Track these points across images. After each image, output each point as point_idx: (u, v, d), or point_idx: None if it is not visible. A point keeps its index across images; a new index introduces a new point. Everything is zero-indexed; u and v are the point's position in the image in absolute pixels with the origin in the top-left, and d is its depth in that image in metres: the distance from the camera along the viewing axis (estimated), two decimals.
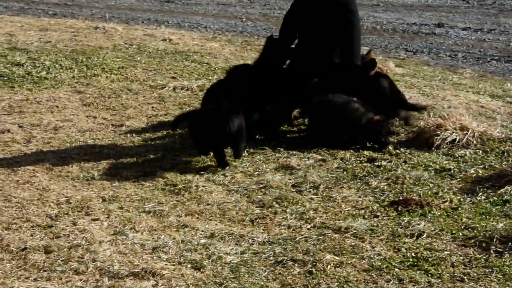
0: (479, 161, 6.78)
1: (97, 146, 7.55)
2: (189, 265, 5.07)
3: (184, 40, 12.98)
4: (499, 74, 11.38)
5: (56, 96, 9.18)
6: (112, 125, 8.27)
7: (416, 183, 6.39)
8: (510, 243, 5.19)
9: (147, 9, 18.00)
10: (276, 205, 6.07)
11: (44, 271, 4.95)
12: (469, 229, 5.50)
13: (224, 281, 4.86)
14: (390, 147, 7.20)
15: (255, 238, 5.49)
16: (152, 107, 8.89)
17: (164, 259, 5.15)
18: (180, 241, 5.41)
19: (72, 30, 13.43)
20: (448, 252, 5.15)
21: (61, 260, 5.08)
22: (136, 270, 4.94)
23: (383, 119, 7.18)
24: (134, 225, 5.68)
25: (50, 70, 10.41)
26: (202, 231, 5.62)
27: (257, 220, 5.83)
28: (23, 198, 6.14)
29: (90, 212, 5.91)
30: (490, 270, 4.88)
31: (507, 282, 4.69)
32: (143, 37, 13.26)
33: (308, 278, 4.89)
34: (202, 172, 6.81)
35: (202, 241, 5.43)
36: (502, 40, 14.22)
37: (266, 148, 7.36)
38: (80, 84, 9.82)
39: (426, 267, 4.96)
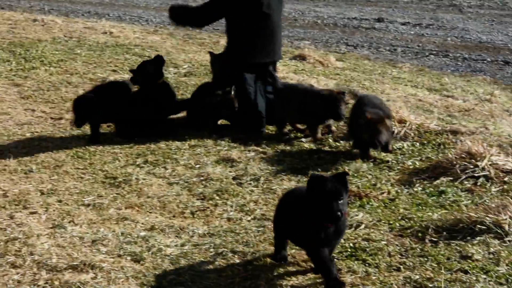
0: (416, 153, 6.89)
1: (35, 139, 7.46)
2: (128, 258, 5.05)
3: (125, 33, 12.89)
4: (437, 69, 11.59)
5: None
6: (51, 118, 8.18)
7: (355, 174, 6.46)
8: (444, 233, 5.29)
9: (87, 2, 17.82)
10: (217, 198, 6.08)
11: None
12: (406, 220, 5.59)
13: (164, 273, 4.85)
14: (330, 140, 7.27)
15: (195, 230, 5.50)
16: None
17: (104, 252, 5.12)
18: (119, 234, 5.38)
19: (10, 22, 13.25)
20: (385, 242, 5.23)
21: None
22: (75, 263, 4.90)
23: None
24: (73, 218, 5.63)
25: None
26: (142, 223, 5.60)
27: (197, 213, 5.84)
28: None
29: (28, 206, 5.85)
30: (426, 259, 4.97)
31: (441, 271, 4.78)
32: (83, 30, 13.13)
33: (248, 269, 4.91)
34: (143, 165, 6.79)
35: (142, 233, 5.41)
36: (440, 35, 14.46)
37: (207, 140, 7.36)
38: (18, 76, 9.69)
39: (364, 257, 5.03)
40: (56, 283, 4.68)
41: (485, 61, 12.22)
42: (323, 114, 7.19)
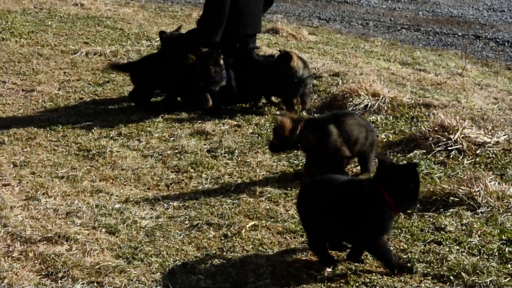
0: (390, 126, 6.92)
1: (7, 111, 7.39)
2: (103, 230, 5.04)
3: (96, 5, 12.74)
4: (409, 43, 11.63)
5: None
6: (23, 90, 8.10)
7: None
8: (418, 205, 5.34)
9: None
10: (192, 170, 6.08)
11: None
12: None
13: (139, 245, 4.85)
14: (304, 113, 7.27)
15: (170, 203, 5.50)
16: (64, 72, 8.73)
17: (78, 224, 5.11)
18: (94, 206, 5.37)
19: None
20: None
21: None
22: (49, 235, 4.88)
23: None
24: (46, 191, 5.60)
25: None
26: (116, 196, 5.59)
27: (172, 185, 5.83)
28: None
29: (1, 177, 5.81)
30: (400, 231, 5.01)
31: (415, 242, 4.83)
32: (54, 1, 12.96)
33: (223, 241, 4.93)
34: (116, 137, 6.76)
35: (117, 206, 5.41)
36: (411, 9, 14.50)
37: (181, 113, 7.34)
38: None
39: None
40: (31, 254, 4.67)
41: (456, 36, 12.28)
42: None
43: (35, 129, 6.91)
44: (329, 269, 4.53)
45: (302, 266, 4.57)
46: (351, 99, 7.35)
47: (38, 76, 8.47)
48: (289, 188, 5.72)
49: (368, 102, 7.28)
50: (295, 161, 6.24)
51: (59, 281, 4.44)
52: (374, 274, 4.49)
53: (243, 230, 5.04)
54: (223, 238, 4.97)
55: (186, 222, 5.20)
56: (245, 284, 4.42)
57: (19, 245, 4.78)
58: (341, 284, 4.42)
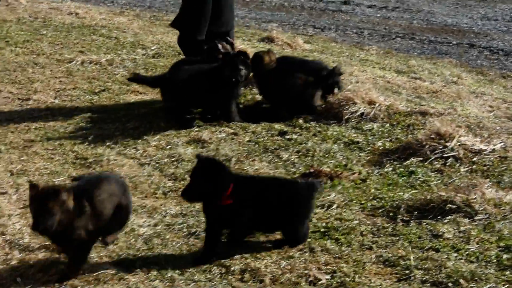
0: (386, 134, 6.95)
1: (3, 120, 7.37)
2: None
3: (91, 14, 12.76)
4: (404, 51, 11.67)
5: None
6: (19, 99, 8.09)
7: (326, 155, 6.50)
8: (415, 212, 5.36)
9: None
10: (189, 178, 6.05)
11: None
12: (377, 199, 5.65)
13: (138, 253, 4.85)
14: (300, 121, 7.28)
15: (168, 211, 5.49)
16: (60, 81, 8.73)
17: None
18: None
19: None
20: (357, 222, 5.28)
21: None
22: (47, 243, 4.86)
23: None
24: None
25: None
26: None
27: (169, 193, 5.83)
28: None
29: None
30: (397, 238, 5.03)
31: (413, 249, 4.84)
32: (49, 10, 12.98)
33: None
34: (113, 146, 6.75)
35: None
36: (406, 18, 14.56)
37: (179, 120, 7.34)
38: None
39: (336, 236, 5.07)
40: (30, 263, 4.65)
41: (450, 44, 12.33)
42: None
43: (32, 137, 6.91)
44: (327, 276, 4.55)
45: (301, 274, 4.57)
46: (347, 107, 7.37)
47: (33, 85, 8.47)
48: None
49: (364, 110, 7.30)
50: (292, 169, 6.25)
51: None
52: (372, 281, 4.50)
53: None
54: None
55: (184, 229, 5.19)
56: None
57: (18, 253, 4.78)
58: None
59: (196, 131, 7.08)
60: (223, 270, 4.63)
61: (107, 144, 6.79)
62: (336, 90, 7.63)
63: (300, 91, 7.42)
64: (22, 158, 6.42)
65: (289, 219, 4.82)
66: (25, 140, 6.83)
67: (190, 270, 4.64)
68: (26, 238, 4.95)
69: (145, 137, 6.93)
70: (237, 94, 7.37)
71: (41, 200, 4.25)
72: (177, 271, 4.62)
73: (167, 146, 6.75)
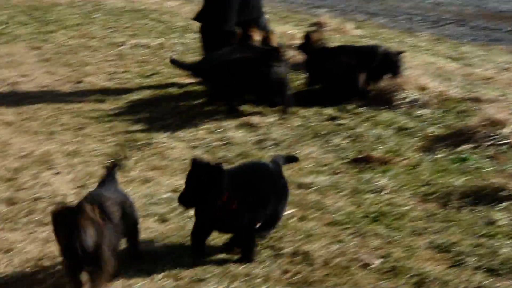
0: (437, 120, 6.89)
1: (56, 102, 7.47)
2: (153, 218, 5.08)
3: None
4: (455, 38, 11.52)
5: (13, 52, 9.04)
6: (71, 81, 8.19)
7: (377, 141, 6.47)
8: (468, 199, 5.30)
9: None
10: (239, 161, 6.10)
11: (8, 222, 4.93)
12: (429, 186, 5.60)
13: (188, 234, 4.87)
14: (351, 106, 7.25)
15: None
16: (111, 64, 8.82)
17: None
18: (144, 195, 5.41)
19: None
20: (408, 207, 5.24)
21: (25, 212, 5.07)
22: None
23: None
24: (97, 180, 5.64)
25: (6, 25, 10.22)
26: (165, 185, 5.63)
27: None
28: None
29: (52, 166, 5.89)
30: (449, 224, 4.98)
31: (465, 236, 4.80)
32: None
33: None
34: (164, 128, 6.80)
35: (166, 195, 5.44)
36: (457, 4, 14.37)
37: (227, 106, 7.37)
38: (37, 40, 9.68)
39: (387, 221, 5.05)
40: None
41: (503, 31, 12.14)
42: None
43: (84, 119, 7.01)
44: (378, 261, 4.53)
45: (352, 258, 4.57)
46: (398, 92, 7.32)
47: (85, 68, 8.57)
48: (337, 181, 5.71)
49: (415, 96, 7.25)
50: (342, 154, 6.23)
51: None
52: (423, 266, 4.47)
53: (290, 220, 5.05)
54: None
55: None
56: (295, 274, 4.42)
57: None
58: (391, 276, 4.41)
59: (246, 115, 7.09)
60: (274, 253, 4.64)
61: (158, 126, 6.84)
62: (392, 75, 7.55)
63: (348, 75, 7.38)
64: (75, 140, 6.51)
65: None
66: (77, 122, 6.92)
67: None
68: None
69: (195, 121, 6.97)
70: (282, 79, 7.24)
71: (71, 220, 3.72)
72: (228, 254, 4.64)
73: (217, 129, 6.78)
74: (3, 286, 4.19)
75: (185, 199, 4.29)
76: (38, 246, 4.58)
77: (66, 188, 5.52)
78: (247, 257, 4.48)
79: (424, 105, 7.19)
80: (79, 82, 8.15)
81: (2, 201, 5.22)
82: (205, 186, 4.20)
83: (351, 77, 7.39)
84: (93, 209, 3.82)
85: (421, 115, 6.99)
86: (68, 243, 3.70)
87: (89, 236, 3.74)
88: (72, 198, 5.31)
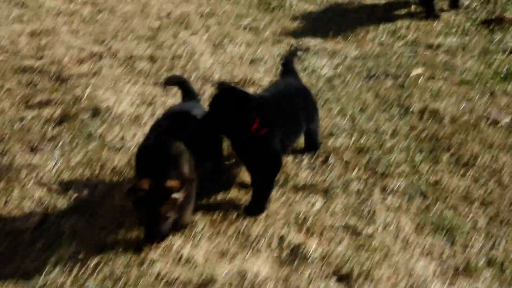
0: None
1: None
2: None
3: None
4: None
5: None
6: None
7: (509, 2, 6.34)
8: None
9: None
10: (368, 23, 6.16)
11: (151, 77, 5.27)
12: None
13: (319, 92, 5.04)
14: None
15: (348, 54, 5.64)
16: None
17: (262, 71, 5.36)
18: (276, 55, 5.60)
19: None
20: None
21: (166, 68, 5.38)
22: (236, 80, 5.17)
23: None
24: (232, 39, 5.89)
25: None
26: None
27: (350, 37, 5.94)
28: (126, 11, 6.44)
29: (190, 26, 6.15)
30: None
31: None
32: None
33: (400, 90, 5.05)
34: None
35: (298, 53, 5.49)
36: None
37: None
38: None
39: None
40: None
41: None
42: None
43: None
44: (507, 119, 4.57)
45: (481, 116, 4.64)
46: None
47: None
48: (466, 42, 5.71)
49: None
50: (473, 16, 6.17)
51: None
52: None
53: (419, 80, 5.13)
54: (400, 87, 5.08)
55: (364, 72, 5.33)
56: (423, 130, 4.53)
57: (210, 85, 5.12)
58: None
59: None
60: (402, 111, 4.76)
61: None
62: None
63: None
64: (210, 2, 6.73)
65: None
66: None
67: (370, 109, 4.80)
68: (216, 74, 5.27)
69: None
70: None
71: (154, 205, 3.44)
72: (356, 110, 4.79)
73: None
74: None
75: (208, 124, 3.78)
76: (177, 100, 4.85)
77: (203, 47, 5.77)
78: (258, 206, 3.92)
79: None
80: None
81: (145, 58, 5.54)
82: (230, 114, 3.73)
83: None
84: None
85: None
86: (147, 230, 3.51)
87: (168, 224, 3.51)
88: (208, 57, 5.56)
